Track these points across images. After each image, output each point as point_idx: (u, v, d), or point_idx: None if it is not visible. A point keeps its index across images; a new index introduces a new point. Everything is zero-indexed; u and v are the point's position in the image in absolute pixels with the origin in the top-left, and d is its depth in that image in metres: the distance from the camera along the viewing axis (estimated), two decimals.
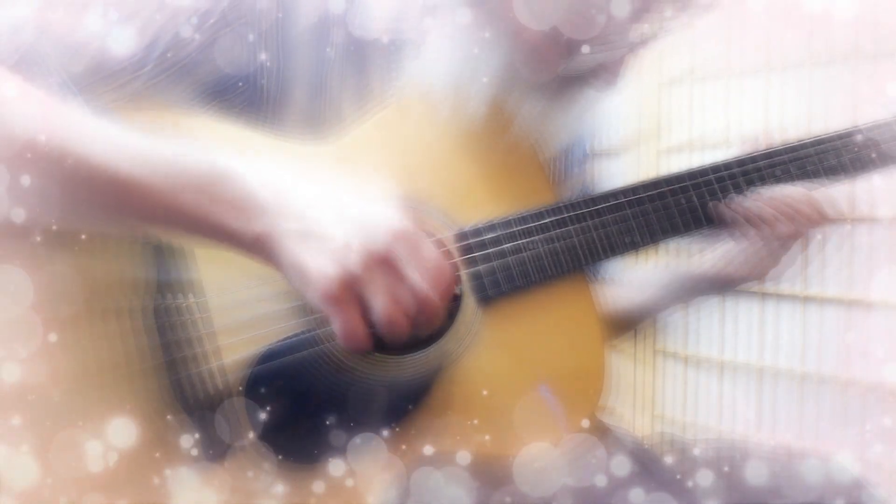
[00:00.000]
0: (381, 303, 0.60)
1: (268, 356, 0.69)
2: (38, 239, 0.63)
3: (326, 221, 0.61)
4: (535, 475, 0.71)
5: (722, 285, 0.90)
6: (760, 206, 0.82)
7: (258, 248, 0.62)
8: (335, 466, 0.67)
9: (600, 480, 0.73)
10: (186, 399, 0.67)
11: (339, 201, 0.63)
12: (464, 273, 0.73)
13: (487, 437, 0.71)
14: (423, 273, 0.62)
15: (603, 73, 0.77)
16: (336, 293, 0.59)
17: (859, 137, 0.84)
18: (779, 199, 0.82)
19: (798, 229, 0.83)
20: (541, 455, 0.71)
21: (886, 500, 0.78)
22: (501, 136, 0.77)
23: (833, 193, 0.84)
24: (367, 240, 0.60)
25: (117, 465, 0.64)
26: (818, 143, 0.84)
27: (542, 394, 0.73)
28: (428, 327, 0.64)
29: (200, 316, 0.68)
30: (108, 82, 0.67)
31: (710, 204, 0.80)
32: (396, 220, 0.62)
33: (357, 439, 0.68)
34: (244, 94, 0.72)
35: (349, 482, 0.68)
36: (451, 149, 0.75)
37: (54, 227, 0.63)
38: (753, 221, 0.82)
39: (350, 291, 0.60)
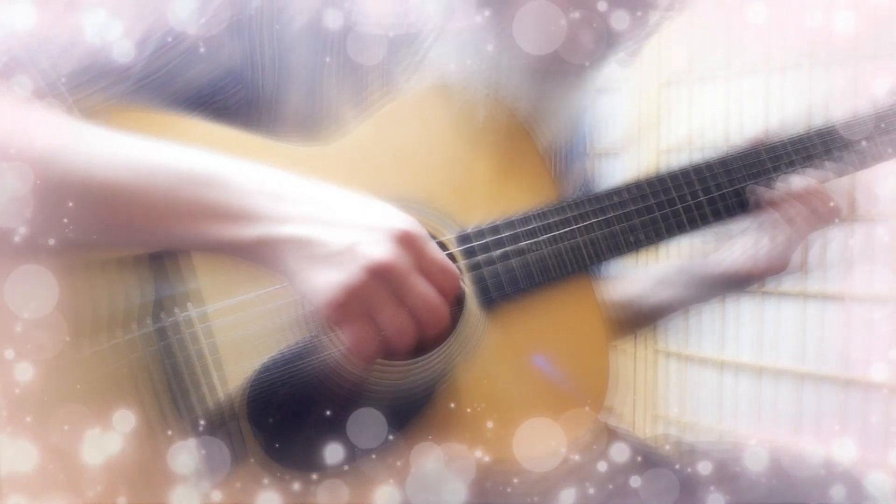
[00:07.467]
0: (388, 313, 0.59)
1: (270, 366, 0.67)
2: (17, 239, 0.60)
3: (327, 226, 0.60)
4: (537, 477, 0.71)
5: (741, 282, 0.87)
6: (794, 184, 0.81)
7: (258, 254, 0.60)
8: (336, 471, 0.67)
9: (602, 481, 0.73)
10: (188, 409, 0.66)
11: (340, 203, 0.62)
12: (467, 276, 0.73)
13: (489, 439, 0.71)
14: (429, 278, 0.60)
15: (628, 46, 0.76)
16: (343, 305, 0.58)
17: (861, 129, 0.84)
18: (802, 186, 0.81)
19: (819, 214, 0.82)
20: (543, 457, 0.71)
21: (886, 500, 0.78)
22: (502, 134, 0.76)
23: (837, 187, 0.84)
24: (372, 245, 0.58)
25: (118, 474, 0.63)
26: (822, 135, 0.84)
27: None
28: (435, 334, 0.62)
29: (201, 327, 0.67)
30: (99, 82, 0.66)
31: (748, 189, 0.80)
32: (400, 222, 0.61)
33: (358, 442, 0.67)
34: (240, 93, 0.71)
35: (350, 487, 0.68)
36: (452, 148, 0.74)
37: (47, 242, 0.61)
38: (788, 199, 0.81)
39: (357, 302, 0.58)
